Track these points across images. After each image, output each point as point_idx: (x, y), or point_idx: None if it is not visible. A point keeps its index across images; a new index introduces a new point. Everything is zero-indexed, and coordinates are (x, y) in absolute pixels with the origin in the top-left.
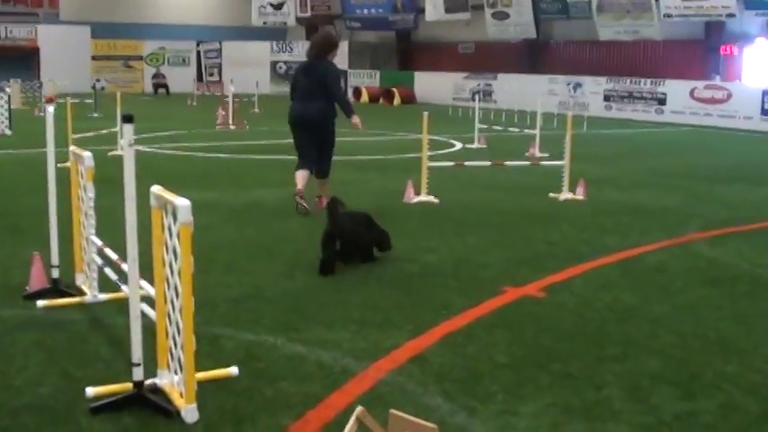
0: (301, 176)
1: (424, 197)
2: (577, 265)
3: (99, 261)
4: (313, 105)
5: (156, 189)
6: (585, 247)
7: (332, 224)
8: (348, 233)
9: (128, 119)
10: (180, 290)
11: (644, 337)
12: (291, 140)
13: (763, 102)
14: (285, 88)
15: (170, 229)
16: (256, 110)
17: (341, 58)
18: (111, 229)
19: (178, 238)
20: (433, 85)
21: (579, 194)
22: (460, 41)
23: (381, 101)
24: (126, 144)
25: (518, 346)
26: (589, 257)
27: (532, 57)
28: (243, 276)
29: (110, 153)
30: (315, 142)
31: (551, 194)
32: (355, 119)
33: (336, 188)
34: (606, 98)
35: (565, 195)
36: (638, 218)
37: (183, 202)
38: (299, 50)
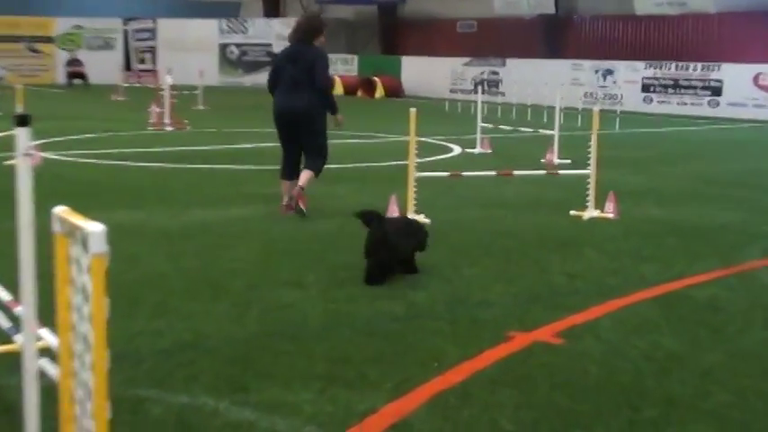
0: (288, 188)
1: (410, 216)
2: (605, 303)
3: None
4: (300, 97)
5: (59, 211)
6: (616, 278)
7: (378, 228)
8: (393, 242)
9: (22, 120)
10: (91, 340)
11: (691, 394)
12: (244, 146)
13: None
14: (237, 78)
15: (79, 261)
16: (200, 106)
17: None
18: (3, 261)
19: (89, 274)
20: (424, 74)
21: (609, 211)
22: (460, 18)
23: (360, 93)
24: (20, 153)
25: (528, 408)
26: (621, 292)
27: (550, 37)
28: (177, 321)
29: (6, 162)
30: (300, 141)
31: (573, 212)
32: (340, 117)
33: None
34: (645, 88)
35: (590, 213)
36: (686, 240)
37: (95, 228)
38: (256, 31)
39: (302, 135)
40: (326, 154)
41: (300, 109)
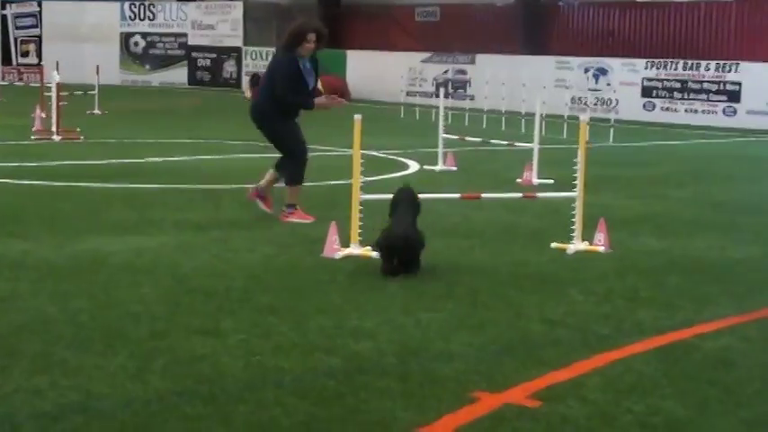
0: (267, 173)
1: (355, 249)
2: (593, 356)
3: None
4: (258, 101)
5: None
6: (607, 326)
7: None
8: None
9: None
10: None
11: None
12: (151, 160)
13: None
14: (143, 76)
15: None
16: (96, 110)
17: (231, 29)
18: None
19: None
20: (374, 73)
21: (599, 243)
22: (418, 4)
23: None
24: None
25: None
26: (612, 343)
27: (530, 28)
28: (63, 377)
29: None
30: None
31: (555, 244)
32: (321, 100)
33: (215, 234)
34: (646, 92)
35: (576, 245)
36: (692, 280)
37: None
38: (167, 16)
39: (268, 139)
40: (298, 157)
41: (253, 111)
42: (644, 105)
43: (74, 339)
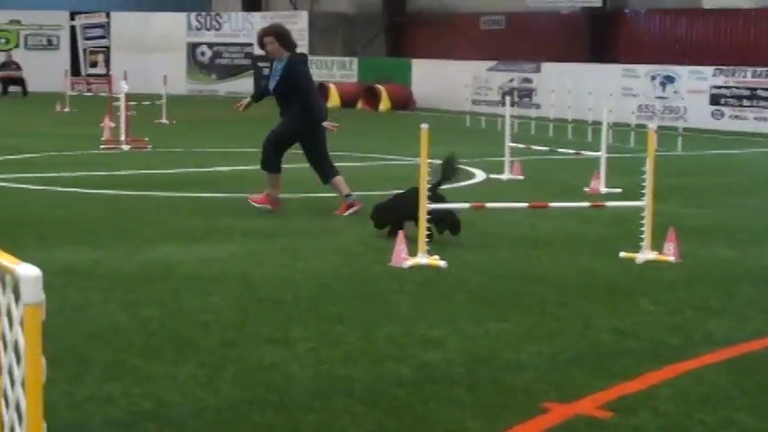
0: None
1: (422, 259)
2: (664, 367)
3: None
4: None
5: None
6: (677, 337)
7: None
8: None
9: None
10: (24, 410)
11: None
12: (218, 170)
13: None
14: (210, 86)
15: (9, 312)
16: (164, 120)
17: (297, 38)
18: None
19: (21, 327)
20: (440, 81)
21: (668, 253)
22: (484, 12)
23: (361, 104)
24: None
25: None
26: (683, 354)
27: (596, 36)
28: (135, 385)
29: None
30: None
31: (624, 254)
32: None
33: (283, 243)
34: (715, 100)
35: (645, 255)
36: (764, 290)
37: (28, 271)
38: (233, 26)
39: None
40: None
41: None
42: (712, 113)
43: (145, 347)
